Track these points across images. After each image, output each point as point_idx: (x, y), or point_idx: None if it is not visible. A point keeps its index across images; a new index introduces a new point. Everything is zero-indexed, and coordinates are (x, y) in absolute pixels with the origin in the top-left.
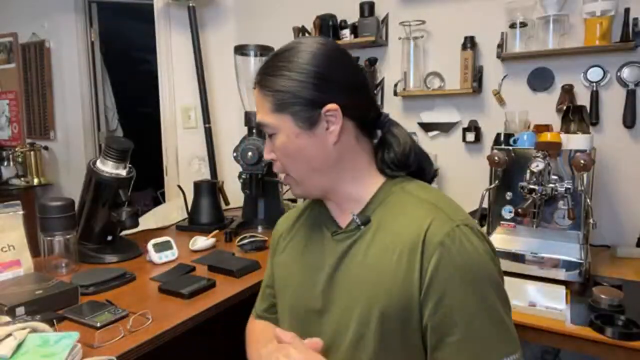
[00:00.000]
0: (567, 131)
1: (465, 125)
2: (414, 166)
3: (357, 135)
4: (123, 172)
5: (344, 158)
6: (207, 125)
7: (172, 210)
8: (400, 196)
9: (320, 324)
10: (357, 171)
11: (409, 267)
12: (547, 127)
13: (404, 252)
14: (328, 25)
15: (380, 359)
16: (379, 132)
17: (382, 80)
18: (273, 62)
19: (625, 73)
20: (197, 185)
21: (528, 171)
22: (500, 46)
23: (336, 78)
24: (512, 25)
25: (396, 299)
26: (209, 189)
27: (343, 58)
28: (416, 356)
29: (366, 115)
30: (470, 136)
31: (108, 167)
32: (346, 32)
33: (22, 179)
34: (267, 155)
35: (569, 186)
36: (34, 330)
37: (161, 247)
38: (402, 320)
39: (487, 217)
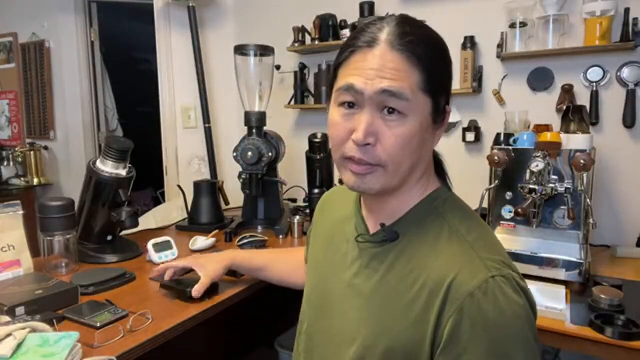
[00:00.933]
0: (567, 131)
1: (465, 125)
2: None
3: None
4: (123, 172)
5: (428, 163)
6: (207, 125)
7: (172, 210)
8: (438, 221)
9: (329, 323)
10: (422, 181)
11: (426, 309)
12: (547, 127)
13: (424, 290)
14: (328, 25)
15: None
16: None
17: None
18: (416, 29)
19: (625, 73)
20: (197, 185)
21: (528, 171)
22: (500, 46)
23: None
24: (512, 25)
25: (404, 339)
26: (209, 189)
27: None
28: None
29: None
30: (470, 136)
31: (108, 167)
32: (346, 32)
33: (22, 179)
34: (365, 138)
35: (569, 186)
36: (34, 330)
37: (161, 247)
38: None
39: (487, 217)
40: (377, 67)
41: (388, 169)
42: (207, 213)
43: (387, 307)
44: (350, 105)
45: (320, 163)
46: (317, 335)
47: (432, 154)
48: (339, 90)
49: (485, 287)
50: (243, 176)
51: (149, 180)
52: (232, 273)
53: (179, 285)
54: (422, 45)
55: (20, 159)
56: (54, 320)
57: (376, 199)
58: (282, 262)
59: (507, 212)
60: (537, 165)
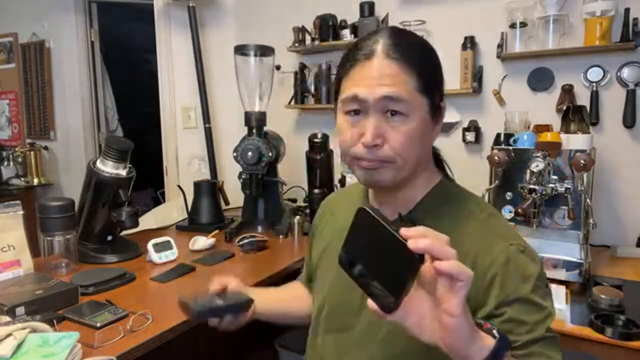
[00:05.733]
0: (567, 131)
1: (465, 125)
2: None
3: None
4: (123, 172)
5: (430, 156)
6: (207, 125)
7: (172, 210)
8: (451, 206)
9: (355, 321)
10: (425, 172)
11: None
12: (547, 127)
13: None
14: (328, 25)
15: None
16: None
17: None
18: (407, 38)
19: (625, 73)
20: (197, 185)
21: (528, 171)
22: (500, 46)
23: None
24: (512, 25)
25: None
26: (209, 189)
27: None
28: None
29: None
30: (470, 136)
31: (108, 167)
32: (346, 32)
33: (22, 179)
34: (373, 140)
35: (569, 186)
36: (34, 330)
37: (161, 247)
38: None
39: None
40: (376, 76)
41: (397, 164)
42: (207, 213)
43: None
44: (356, 112)
45: (320, 163)
46: (346, 334)
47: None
48: (344, 100)
49: (507, 254)
50: (243, 176)
51: (149, 180)
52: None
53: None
54: (413, 52)
55: (20, 159)
56: (54, 320)
57: (389, 192)
58: (298, 301)
59: (507, 212)
60: (537, 165)
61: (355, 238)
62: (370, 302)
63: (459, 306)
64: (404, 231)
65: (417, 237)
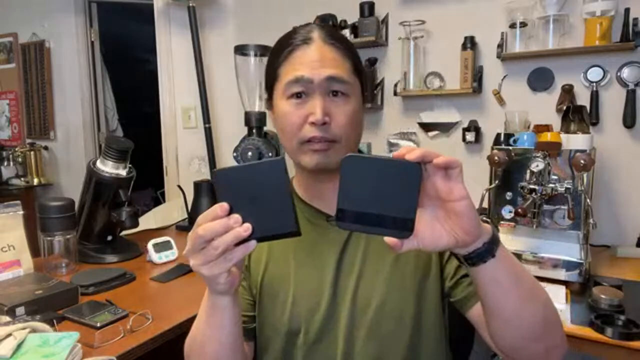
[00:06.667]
0: (567, 131)
1: (465, 125)
2: None
3: None
4: (123, 172)
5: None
6: (207, 125)
7: (172, 210)
8: None
9: (334, 319)
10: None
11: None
12: (547, 127)
13: None
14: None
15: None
16: None
17: (382, 80)
18: (337, 32)
19: (625, 73)
20: (197, 185)
21: (528, 171)
22: (500, 46)
23: None
24: (512, 25)
25: (428, 273)
26: (209, 189)
27: None
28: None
29: None
30: (470, 136)
31: (108, 167)
32: (346, 32)
33: (22, 179)
34: (323, 117)
35: (569, 186)
36: (34, 330)
37: (161, 247)
38: (435, 282)
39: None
40: (318, 59)
41: (342, 144)
42: None
43: (392, 262)
44: (299, 95)
45: None
46: (330, 326)
47: None
48: (287, 84)
49: None
50: None
51: (149, 180)
52: None
53: None
54: (344, 40)
55: (20, 159)
56: (54, 320)
57: (332, 179)
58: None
59: (507, 212)
60: (537, 165)
61: (347, 189)
62: (387, 239)
63: (463, 188)
64: (395, 153)
65: (409, 151)
